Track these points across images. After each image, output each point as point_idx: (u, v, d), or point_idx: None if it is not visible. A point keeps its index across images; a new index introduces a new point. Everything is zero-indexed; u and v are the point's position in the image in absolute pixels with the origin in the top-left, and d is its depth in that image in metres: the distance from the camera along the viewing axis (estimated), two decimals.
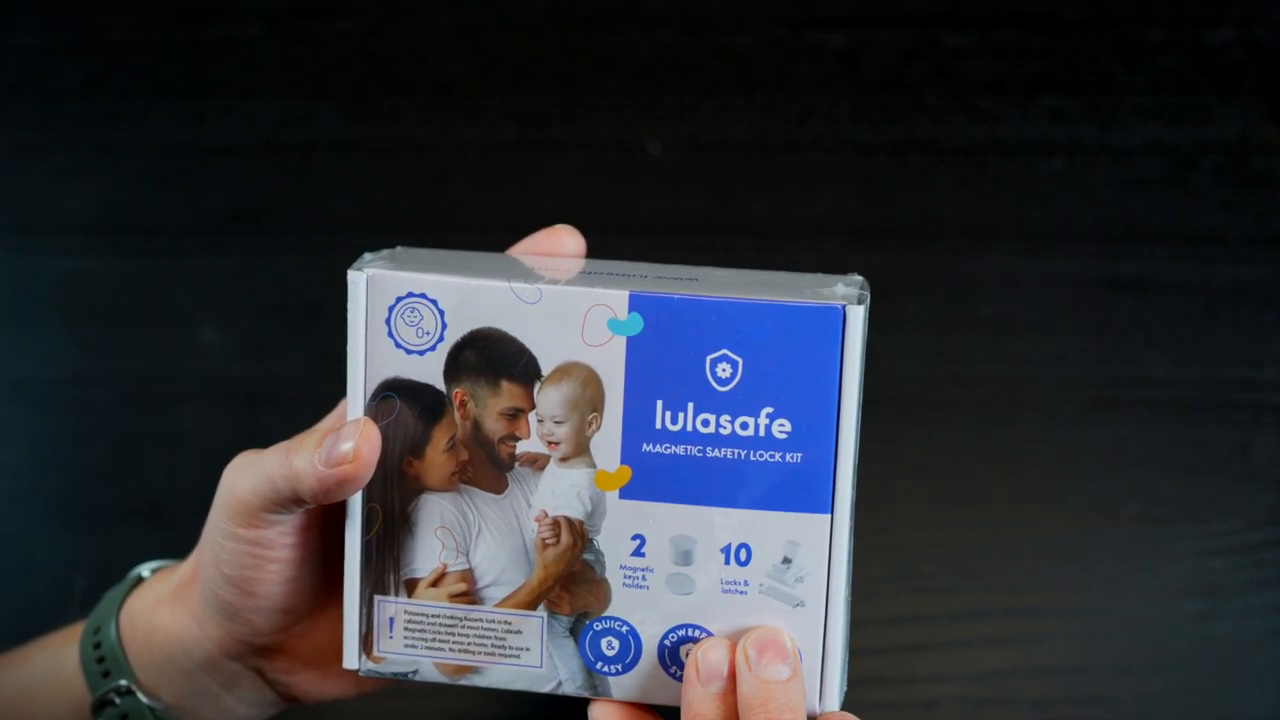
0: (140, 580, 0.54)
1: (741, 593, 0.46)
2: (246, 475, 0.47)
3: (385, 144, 0.73)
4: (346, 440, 0.45)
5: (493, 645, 0.47)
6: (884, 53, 0.72)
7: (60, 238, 0.73)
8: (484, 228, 0.73)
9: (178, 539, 0.56)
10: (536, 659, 0.47)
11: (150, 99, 0.74)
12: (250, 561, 0.48)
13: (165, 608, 0.51)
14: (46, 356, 0.73)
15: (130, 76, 0.74)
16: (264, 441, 0.48)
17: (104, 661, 0.51)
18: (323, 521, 0.49)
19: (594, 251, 0.73)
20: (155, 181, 0.74)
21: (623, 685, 0.47)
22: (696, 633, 0.46)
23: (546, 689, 0.47)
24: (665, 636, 0.46)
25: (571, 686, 0.47)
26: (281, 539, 0.48)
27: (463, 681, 0.47)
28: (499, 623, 0.47)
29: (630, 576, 0.46)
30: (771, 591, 0.45)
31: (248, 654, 0.51)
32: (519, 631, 0.47)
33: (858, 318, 0.45)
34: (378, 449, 0.46)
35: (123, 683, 0.51)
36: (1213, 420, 0.70)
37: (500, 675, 0.47)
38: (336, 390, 0.49)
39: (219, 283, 0.73)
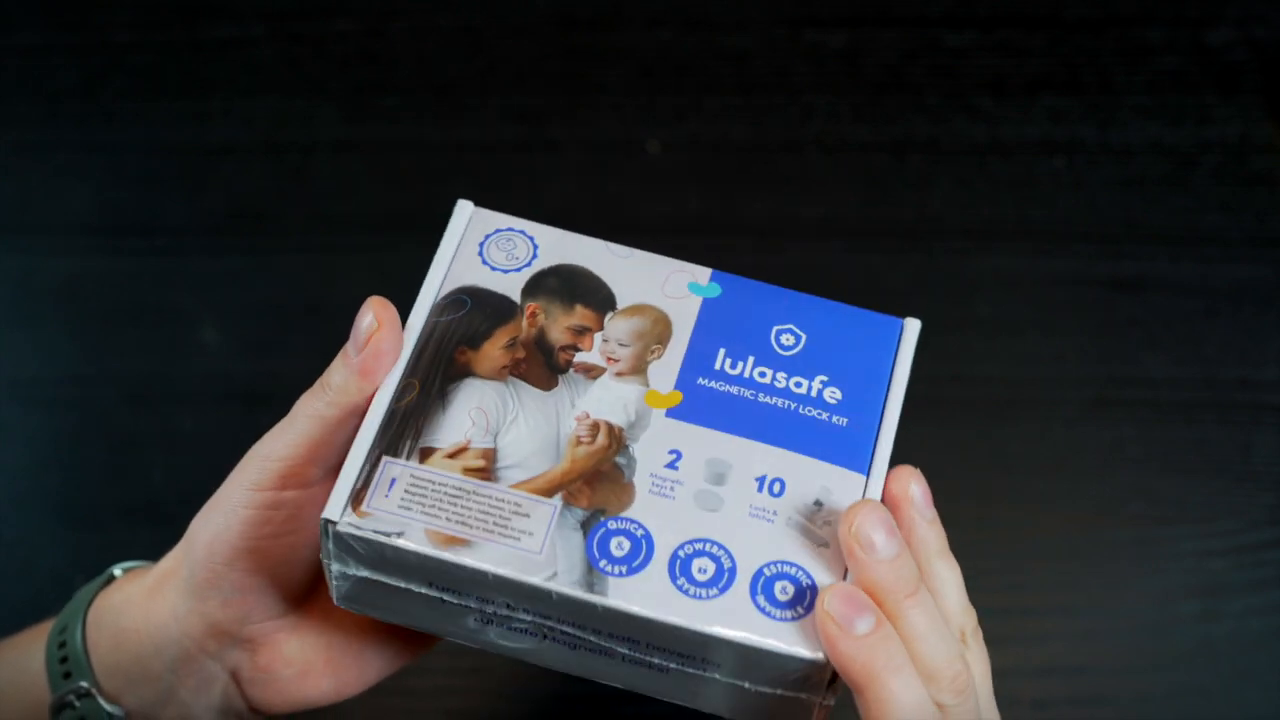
0: (112, 579, 0.53)
1: (769, 520, 0.45)
2: (285, 433, 0.46)
3: (385, 144, 0.73)
4: (363, 316, 0.46)
5: (494, 523, 0.45)
6: (884, 53, 0.72)
7: (60, 237, 0.73)
8: None
9: (177, 539, 0.56)
10: (537, 545, 0.44)
11: (150, 99, 0.74)
12: (269, 530, 0.47)
13: (138, 607, 0.50)
14: (46, 356, 0.73)
15: (130, 76, 0.74)
16: None
17: (67, 662, 0.50)
18: None
19: None
20: (155, 181, 0.74)
21: (623, 588, 0.44)
22: (715, 549, 0.45)
23: (538, 578, 0.44)
24: (681, 547, 0.44)
25: (567, 580, 0.44)
26: (309, 504, 0.47)
27: (448, 555, 0.44)
28: (508, 502, 0.45)
29: (658, 485, 0.45)
30: (799, 527, 0.45)
31: (230, 647, 0.49)
32: (527, 515, 0.45)
33: (914, 329, 0.50)
34: (395, 314, 0.46)
35: (82, 684, 0.50)
36: (1213, 420, 0.70)
37: (492, 554, 0.44)
38: None
39: (219, 283, 0.73)
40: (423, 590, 0.45)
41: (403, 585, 0.45)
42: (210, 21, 0.74)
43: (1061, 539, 0.69)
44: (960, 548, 0.71)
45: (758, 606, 0.44)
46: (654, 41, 0.73)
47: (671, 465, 0.45)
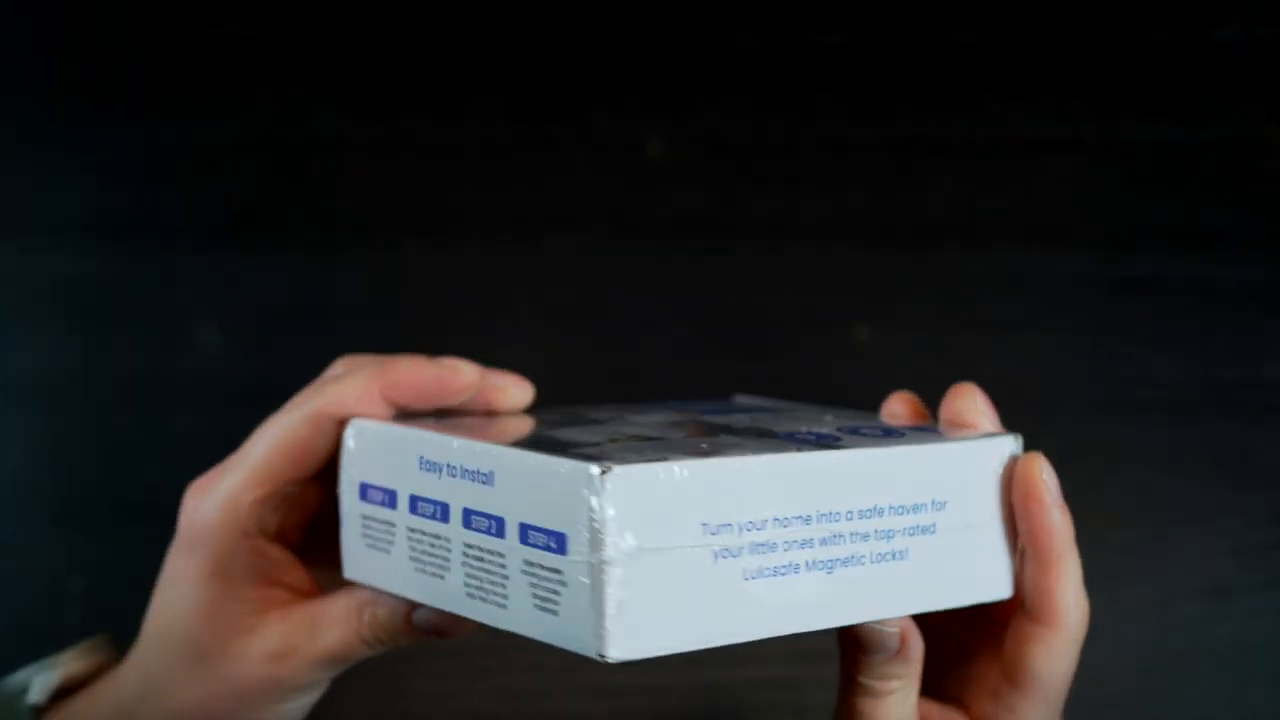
0: (37, 711, 0.48)
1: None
2: (324, 631, 0.43)
3: (385, 142, 0.73)
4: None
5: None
6: (884, 52, 0.72)
7: (58, 237, 0.73)
8: (484, 227, 0.73)
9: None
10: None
11: (149, 97, 0.74)
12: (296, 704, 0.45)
13: None
14: (44, 356, 0.73)
15: (129, 75, 0.74)
16: None
17: None
18: None
19: (593, 251, 0.73)
20: (154, 180, 0.74)
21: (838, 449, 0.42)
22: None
23: (788, 452, 0.40)
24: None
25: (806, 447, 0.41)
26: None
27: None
28: None
29: None
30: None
31: None
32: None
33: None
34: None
35: None
36: (1216, 420, 0.70)
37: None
38: None
39: (217, 282, 0.73)
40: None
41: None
42: (209, 20, 0.73)
43: None
44: None
45: (941, 436, 0.44)
46: (654, 41, 0.73)
47: None
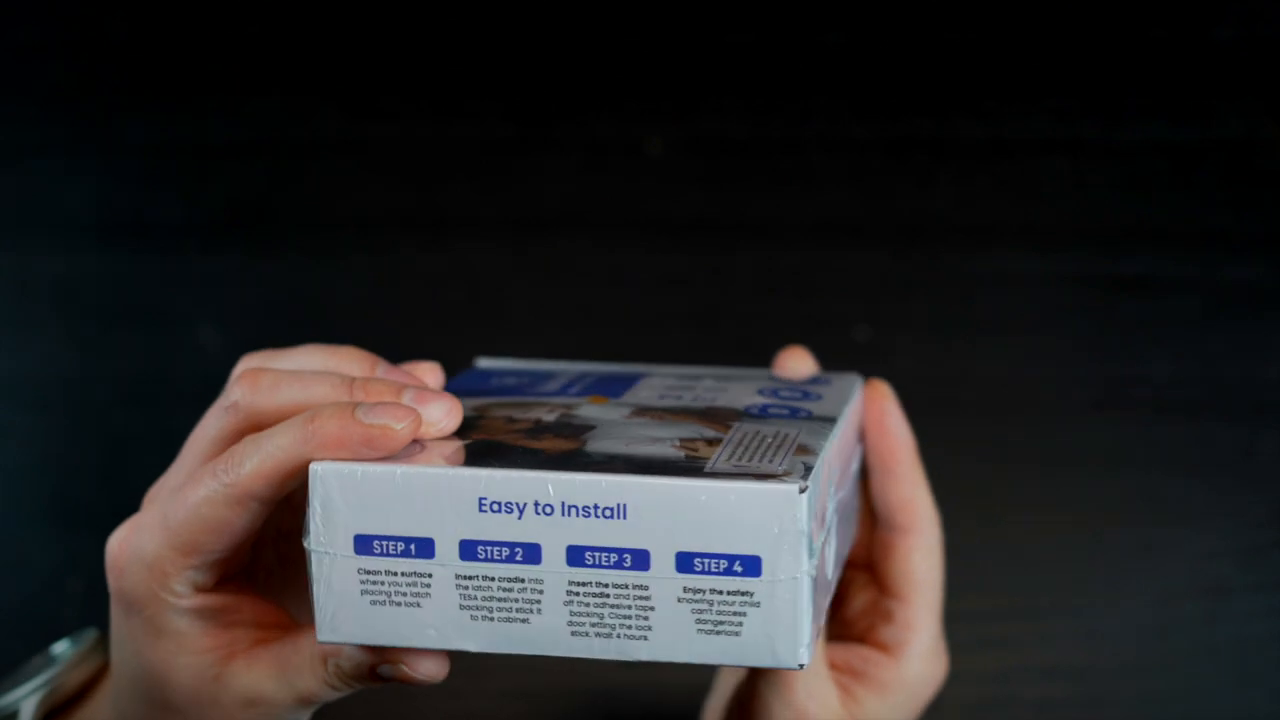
0: None
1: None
2: (275, 679, 0.42)
3: (385, 143, 0.73)
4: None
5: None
6: (884, 52, 0.72)
7: (58, 237, 0.73)
8: (484, 227, 0.73)
9: None
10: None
11: (149, 97, 0.74)
12: None
13: None
14: (44, 356, 0.73)
15: (129, 75, 0.74)
16: None
17: None
18: None
19: (593, 250, 0.73)
20: (154, 181, 0.74)
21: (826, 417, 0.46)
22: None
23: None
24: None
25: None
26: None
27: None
28: None
29: None
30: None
31: None
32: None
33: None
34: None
35: None
36: (1215, 420, 0.70)
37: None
38: None
39: (217, 283, 0.73)
40: None
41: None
42: (209, 20, 0.74)
43: (1063, 540, 0.69)
44: (961, 548, 0.70)
45: (821, 381, 0.50)
46: (654, 41, 0.73)
47: None
